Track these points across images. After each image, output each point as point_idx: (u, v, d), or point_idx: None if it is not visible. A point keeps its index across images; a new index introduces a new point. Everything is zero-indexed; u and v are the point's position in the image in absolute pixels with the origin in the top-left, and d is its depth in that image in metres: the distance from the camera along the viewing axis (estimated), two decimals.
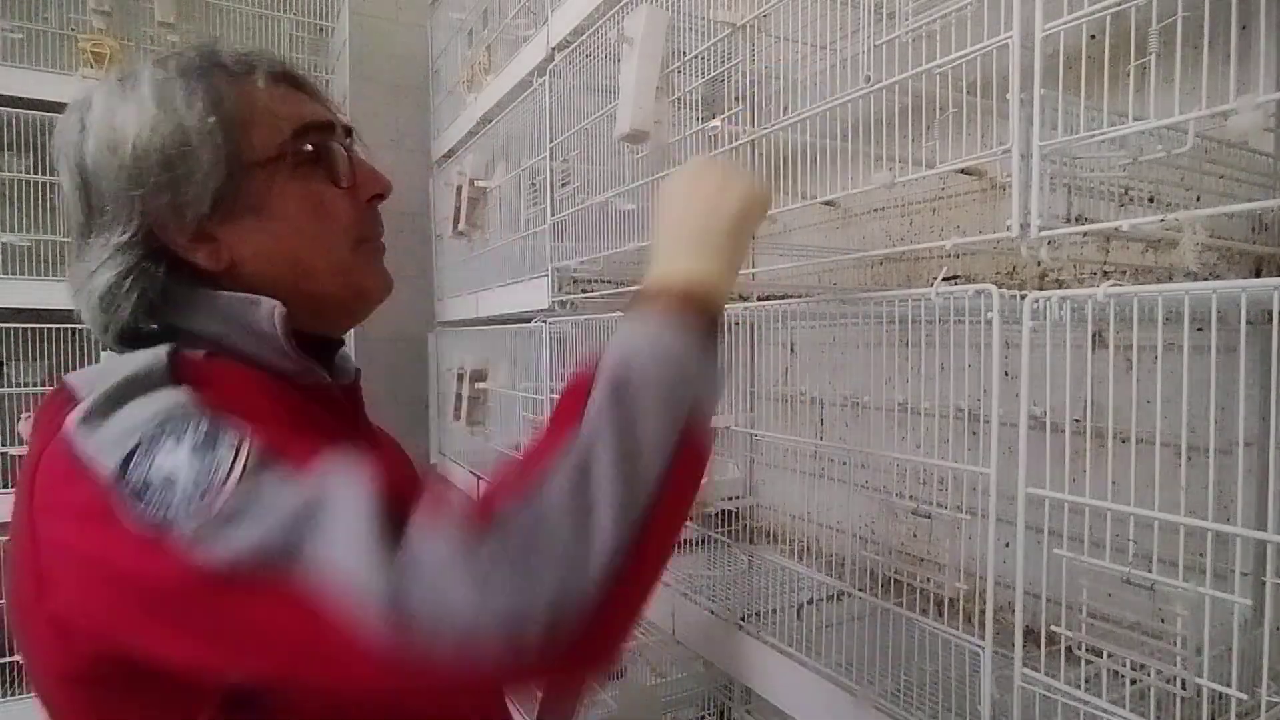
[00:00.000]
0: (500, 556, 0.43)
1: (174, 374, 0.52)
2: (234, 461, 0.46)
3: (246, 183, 0.58)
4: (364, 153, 0.67)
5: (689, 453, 0.50)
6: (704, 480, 0.57)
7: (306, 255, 0.61)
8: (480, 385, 1.93)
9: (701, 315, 0.54)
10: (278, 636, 0.44)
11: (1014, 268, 1.00)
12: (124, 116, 0.56)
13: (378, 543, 0.43)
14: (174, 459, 0.46)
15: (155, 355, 0.54)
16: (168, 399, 0.49)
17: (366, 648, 0.42)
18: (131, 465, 0.46)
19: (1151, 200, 0.80)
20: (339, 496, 0.45)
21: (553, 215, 1.53)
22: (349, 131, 0.67)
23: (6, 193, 1.95)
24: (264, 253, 0.60)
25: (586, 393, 0.50)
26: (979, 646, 0.69)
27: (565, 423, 0.50)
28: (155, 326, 0.60)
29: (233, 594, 0.44)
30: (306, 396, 0.61)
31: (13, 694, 1.88)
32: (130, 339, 0.59)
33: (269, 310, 0.58)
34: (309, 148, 0.61)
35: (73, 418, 0.48)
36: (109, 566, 0.46)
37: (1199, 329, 0.74)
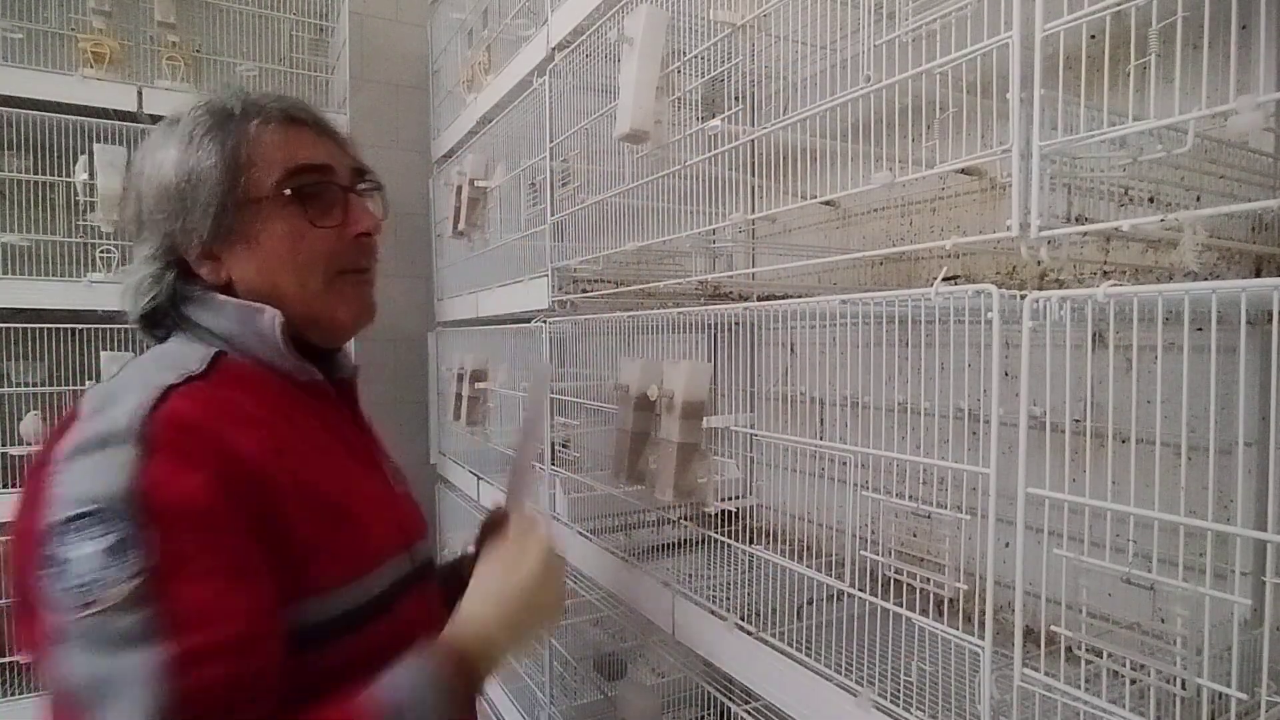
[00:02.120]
0: None
1: (145, 430, 0.58)
2: (122, 582, 0.54)
3: (240, 216, 0.71)
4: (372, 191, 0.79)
5: None
6: None
7: (281, 281, 0.72)
8: (480, 385, 1.93)
9: (467, 681, 0.66)
10: None
11: (1014, 268, 1.01)
12: (162, 154, 0.71)
13: None
14: (82, 550, 0.54)
15: (152, 384, 0.63)
16: (115, 480, 0.56)
17: None
18: (56, 538, 0.55)
19: (1152, 200, 0.80)
20: (130, 688, 0.52)
21: (553, 215, 1.53)
22: (360, 171, 0.78)
23: (6, 193, 1.94)
24: (249, 274, 0.72)
25: None
26: (979, 646, 0.69)
27: None
28: (175, 314, 0.73)
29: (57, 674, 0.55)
30: (304, 391, 0.75)
31: (13, 694, 1.88)
32: (150, 323, 0.74)
33: (270, 318, 0.71)
34: (289, 190, 0.71)
35: (63, 448, 0.58)
36: (29, 585, 0.56)
37: (1199, 329, 0.74)
